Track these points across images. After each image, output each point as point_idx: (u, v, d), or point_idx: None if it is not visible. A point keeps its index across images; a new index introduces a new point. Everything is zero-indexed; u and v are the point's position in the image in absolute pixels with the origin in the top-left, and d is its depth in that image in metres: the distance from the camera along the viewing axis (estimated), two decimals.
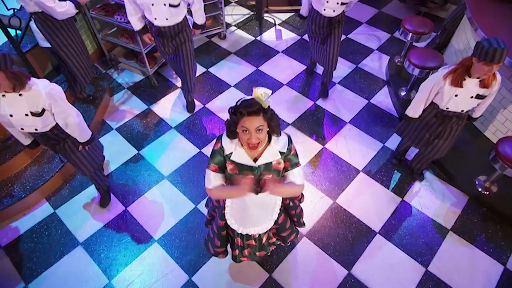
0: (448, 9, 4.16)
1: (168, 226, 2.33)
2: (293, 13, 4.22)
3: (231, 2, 4.41)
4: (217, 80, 3.40)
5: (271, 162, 1.37)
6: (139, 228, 2.33)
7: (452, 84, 1.78)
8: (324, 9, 2.44)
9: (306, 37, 3.76)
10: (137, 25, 2.42)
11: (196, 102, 3.17)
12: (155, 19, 2.27)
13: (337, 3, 2.39)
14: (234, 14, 4.22)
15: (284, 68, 3.52)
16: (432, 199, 2.50)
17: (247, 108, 1.17)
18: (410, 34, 3.08)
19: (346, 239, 2.27)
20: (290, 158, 1.39)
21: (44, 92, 1.60)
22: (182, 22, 2.38)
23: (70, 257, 2.18)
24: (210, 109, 3.14)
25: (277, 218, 1.67)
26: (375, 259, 2.19)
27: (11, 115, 1.59)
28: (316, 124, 3.00)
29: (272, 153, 1.35)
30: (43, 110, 1.63)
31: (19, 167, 2.45)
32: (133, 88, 3.33)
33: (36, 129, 1.70)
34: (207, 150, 2.72)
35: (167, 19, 2.27)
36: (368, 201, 2.47)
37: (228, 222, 1.65)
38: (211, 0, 3.41)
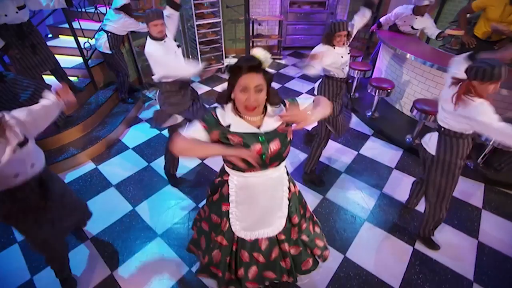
0: None
1: None
2: None
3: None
4: None
5: (276, 128, 1.27)
6: None
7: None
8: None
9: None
10: None
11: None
12: None
13: None
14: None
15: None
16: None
17: (247, 62, 1.11)
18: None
19: None
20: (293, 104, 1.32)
21: None
22: None
23: (104, 195, 2.81)
24: None
25: (289, 215, 1.50)
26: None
27: None
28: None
29: (273, 120, 1.27)
30: None
31: (75, 136, 3.32)
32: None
33: None
34: None
35: None
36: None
37: (233, 229, 1.47)
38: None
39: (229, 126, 1.23)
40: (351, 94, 4.30)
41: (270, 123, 1.26)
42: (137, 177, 2.98)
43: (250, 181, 1.37)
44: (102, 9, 3.91)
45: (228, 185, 1.43)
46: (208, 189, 1.64)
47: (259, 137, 1.24)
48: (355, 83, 4.28)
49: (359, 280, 2.06)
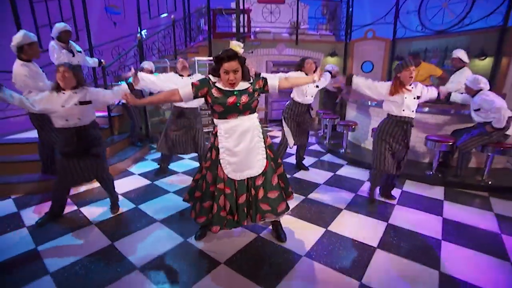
0: None
1: None
2: None
3: None
4: None
5: (246, 88, 1.90)
6: None
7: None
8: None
9: None
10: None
11: None
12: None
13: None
14: None
15: None
16: None
17: (227, 53, 1.75)
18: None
19: None
20: (259, 84, 1.97)
21: None
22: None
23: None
24: None
25: (264, 165, 1.97)
26: None
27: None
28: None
29: (243, 85, 1.91)
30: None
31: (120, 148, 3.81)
32: None
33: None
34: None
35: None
36: None
37: (226, 171, 1.94)
38: None
39: (215, 83, 1.91)
40: (327, 141, 5.14)
41: (242, 85, 1.93)
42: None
43: (231, 123, 1.93)
44: None
45: (217, 137, 1.97)
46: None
47: (234, 92, 1.89)
48: (328, 133, 5.17)
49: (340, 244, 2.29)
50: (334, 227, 2.53)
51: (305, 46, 7.04)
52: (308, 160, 4.40)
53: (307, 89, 3.45)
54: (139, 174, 3.81)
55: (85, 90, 2.34)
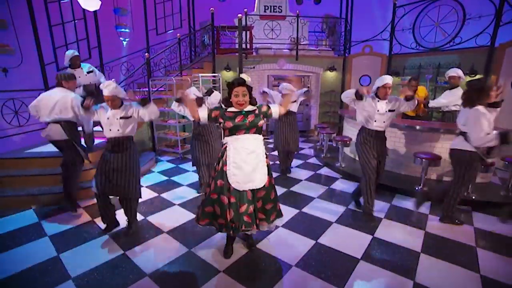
0: None
1: None
2: None
3: None
4: None
5: (251, 110, 2.28)
6: None
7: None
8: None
9: None
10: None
11: None
12: None
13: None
14: None
15: None
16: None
17: (237, 80, 2.21)
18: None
19: None
20: (264, 108, 2.32)
21: None
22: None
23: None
24: None
25: (265, 179, 2.28)
26: None
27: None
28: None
29: (250, 107, 2.30)
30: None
31: None
32: (169, 161, 5.41)
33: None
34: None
35: None
36: None
37: (230, 181, 2.23)
38: None
39: (226, 109, 2.29)
40: (323, 155, 5.40)
41: (250, 108, 2.31)
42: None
43: (238, 141, 2.25)
44: None
45: (226, 152, 2.29)
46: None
47: (242, 112, 2.27)
48: (325, 147, 5.44)
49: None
50: (323, 239, 2.79)
51: (305, 61, 7.36)
52: (305, 173, 4.67)
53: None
54: (147, 187, 4.11)
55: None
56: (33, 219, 3.16)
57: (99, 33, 5.61)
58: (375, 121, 2.97)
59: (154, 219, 3.19)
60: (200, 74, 6.12)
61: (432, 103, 4.37)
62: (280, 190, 3.97)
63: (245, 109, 2.28)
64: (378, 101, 2.95)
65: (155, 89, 5.84)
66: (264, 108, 2.35)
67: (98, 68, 4.77)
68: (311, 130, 8.12)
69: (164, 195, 3.85)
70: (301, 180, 4.41)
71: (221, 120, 2.26)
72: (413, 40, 6.42)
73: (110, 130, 2.66)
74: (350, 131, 5.32)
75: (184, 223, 3.08)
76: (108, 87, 2.54)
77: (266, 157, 2.38)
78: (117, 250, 2.60)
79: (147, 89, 5.67)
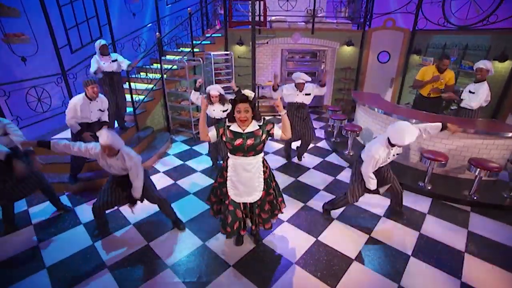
0: None
1: None
2: None
3: None
4: None
5: (252, 131, 2.31)
6: None
7: None
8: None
9: None
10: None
11: None
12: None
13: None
14: None
15: None
16: None
17: (240, 97, 2.24)
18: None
19: None
20: (268, 124, 2.38)
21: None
22: None
23: None
24: None
25: (260, 195, 2.48)
26: None
27: None
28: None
29: (253, 126, 2.32)
30: None
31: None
32: (183, 141, 5.67)
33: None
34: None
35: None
36: None
37: (229, 193, 2.50)
38: None
39: (229, 126, 2.38)
40: (333, 139, 5.48)
41: (250, 129, 2.34)
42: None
43: (237, 161, 2.42)
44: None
45: (227, 166, 2.49)
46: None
47: (242, 135, 2.33)
48: (336, 130, 5.49)
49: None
50: (324, 237, 3.08)
51: (321, 35, 6.98)
52: (313, 161, 4.84)
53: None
54: (163, 172, 4.45)
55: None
56: (67, 204, 3.59)
57: (108, 10, 5.47)
58: None
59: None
60: (212, 53, 6.03)
61: (464, 105, 4.35)
62: (288, 180, 4.23)
63: (246, 131, 2.33)
64: None
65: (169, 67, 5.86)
66: (268, 127, 2.39)
67: (110, 46, 4.82)
68: (323, 106, 8.04)
69: (179, 182, 4.18)
70: (309, 169, 4.61)
71: (224, 139, 2.40)
72: (441, 15, 5.89)
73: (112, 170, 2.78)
74: (362, 118, 5.29)
75: (199, 214, 3.44)
76: (102, 137, 2.48)
77: (266, 169, 2.55)
78: (141, 241, 3.01)
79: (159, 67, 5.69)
